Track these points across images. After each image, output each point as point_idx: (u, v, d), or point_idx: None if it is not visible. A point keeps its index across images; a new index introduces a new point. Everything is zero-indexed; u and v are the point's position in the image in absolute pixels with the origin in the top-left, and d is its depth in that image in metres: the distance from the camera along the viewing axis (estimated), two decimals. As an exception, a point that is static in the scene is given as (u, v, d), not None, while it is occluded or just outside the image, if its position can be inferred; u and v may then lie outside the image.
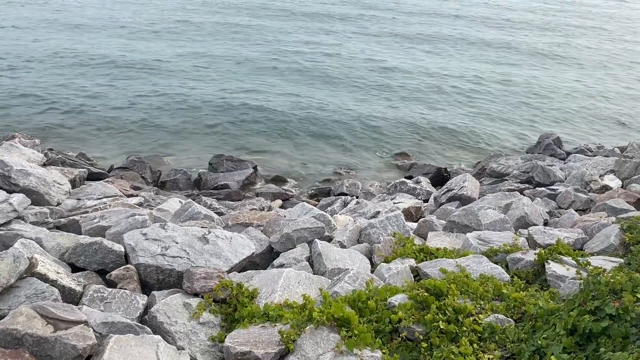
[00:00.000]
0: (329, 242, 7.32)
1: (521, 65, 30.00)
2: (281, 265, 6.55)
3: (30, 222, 7.31)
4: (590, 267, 5.83)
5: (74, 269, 5.95)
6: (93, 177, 12.57)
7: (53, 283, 5.06)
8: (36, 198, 8.68)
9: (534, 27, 39.97)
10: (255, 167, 16.02)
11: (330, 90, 23.56)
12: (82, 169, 11.78)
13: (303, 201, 12.91)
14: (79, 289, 5.24)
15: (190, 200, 9.83)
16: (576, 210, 9.96)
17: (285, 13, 38.59)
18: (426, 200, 12.64)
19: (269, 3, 41.18)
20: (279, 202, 13.44)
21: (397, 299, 5.08)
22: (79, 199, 9.52)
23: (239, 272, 6.22)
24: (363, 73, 26.27)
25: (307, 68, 26.38)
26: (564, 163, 15.35)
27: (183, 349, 4.76)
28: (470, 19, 41.15)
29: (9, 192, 8.06)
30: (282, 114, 20.63)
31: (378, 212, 10.03)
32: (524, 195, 11.03)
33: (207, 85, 23.04)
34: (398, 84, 24.88)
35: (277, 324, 4.74)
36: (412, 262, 6.55)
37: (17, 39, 27.47)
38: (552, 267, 5.90)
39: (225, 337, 4.70)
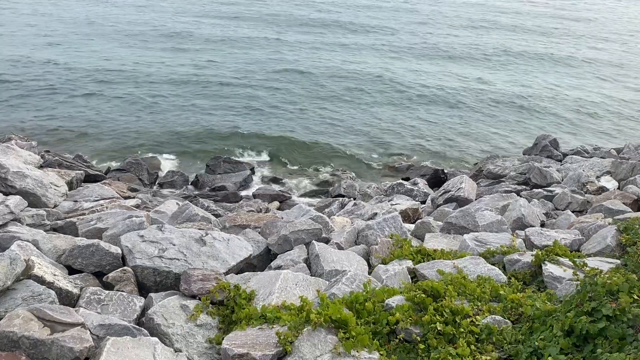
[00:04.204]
0: (327, 244, 7.32)
1: (517, 68, 30.08)
2: (279, 267, 6.54)
3: (27, 224, 7.29)
4: (587, 269, 5.84)
5: (71, 271, 5.94)
6: (90, 179, 12.54)
7: (50, 285, 5.04)
8: (33, 200, 8.67)
9: (529, 31, 40.12)
10: (252, 169, 16.03)
11: (328, 93, 23.56)
12: (79, 171, 11.76)
13: (300, 203, 12.90)
14: (75, 291, 5.23)
15: (187, 202, 9.82)
16: (573, 212, 9.98)
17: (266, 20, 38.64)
18: (423, 202, 12.65)
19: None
20: (276, 203, 13.44)
21: (395, 301, 5.08)
22: (76, 201, 9.50)
23: (237, 273, 6.21)
24: (360, 77, 26.30)
25: (307, 70, 26.41)
26: (561, 164, 15.38)
27: (180, 351, 4.75)
28: (466, 25, 41.24)
29: (6, 194, 8.04)
30: (279, 115, 20.65)
31: (375, 214, 10.04)
32: (520, 196, 11.05)
33: (203, 86, 23.04)
34: (394, 89, 24.90)
35: (274, 326, 4.74)
36: (410, 263, 6.55)
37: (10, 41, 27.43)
38: (549, 268, 5.91)
39: (223, 339, 4.69)
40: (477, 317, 4.94)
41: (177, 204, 9.75)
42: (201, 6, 40.38)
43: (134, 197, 11.28)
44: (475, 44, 34.21)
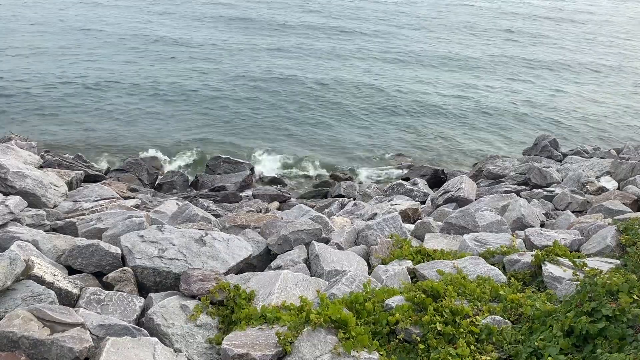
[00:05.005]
0: (327, 244, 7.32)
1: (515, 72, 30.06)
2: (278, 267, 6.54)
3: (26, 225, 7.28)
4: (587, 269, 5.84)
5: (71, 271, 5.94)
6: (90, 179, 12.54)
7: (50, 285, 5.04)
8: (33, 200, 8.66)
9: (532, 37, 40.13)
10: (252, 169, 16.02)
11: (326, 97, 23.55)
12: (78, 171, 11.76)
13: (300, 203, 12.90)
14: (75, 291, 5.23)
15: (187, 202, 9.83)
16: (573, 212, 9.98)
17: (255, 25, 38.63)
18: (423, 202, 12.65)
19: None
20: (276, 204, 13.44)
21: (395, 301, 5.08)
22: (76, 201, 9.50)
23: (236, 274, 6.21)
24: (358, 82, 26.31)
25: (308, 79, 26.40)
26: (561, 165, 15.39)
27: (180, 351, 4.75)
28: (464, 28, 41.27)
29: (6, 194, 8.04)
30: (279, 116, 20.65)
31: (375, 214, 10.04)
32: (520, 196, 11.05)
33: (199, 87, 23.05)
34: (394, 89, 24.89)
35: (274, 326, 4.74)
36: (409, 263, 6.55)
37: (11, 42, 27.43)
38: (549, 268, 5.91)
39: (223, 339, 4.69)
40: (477, 317, 4.94)
41: (177, 204, 9.76)
42: (199, 8, 40.37)
43: (133, 197, 11.27)
44: (472, 49, 34.16)
